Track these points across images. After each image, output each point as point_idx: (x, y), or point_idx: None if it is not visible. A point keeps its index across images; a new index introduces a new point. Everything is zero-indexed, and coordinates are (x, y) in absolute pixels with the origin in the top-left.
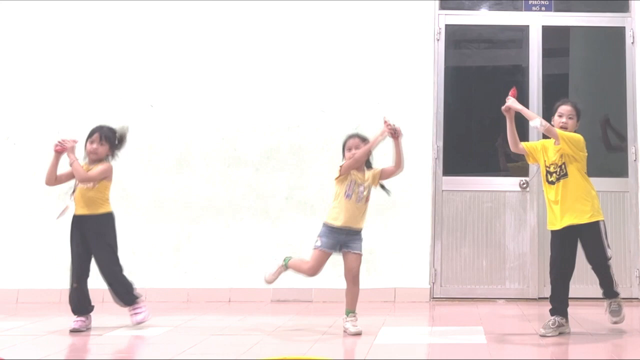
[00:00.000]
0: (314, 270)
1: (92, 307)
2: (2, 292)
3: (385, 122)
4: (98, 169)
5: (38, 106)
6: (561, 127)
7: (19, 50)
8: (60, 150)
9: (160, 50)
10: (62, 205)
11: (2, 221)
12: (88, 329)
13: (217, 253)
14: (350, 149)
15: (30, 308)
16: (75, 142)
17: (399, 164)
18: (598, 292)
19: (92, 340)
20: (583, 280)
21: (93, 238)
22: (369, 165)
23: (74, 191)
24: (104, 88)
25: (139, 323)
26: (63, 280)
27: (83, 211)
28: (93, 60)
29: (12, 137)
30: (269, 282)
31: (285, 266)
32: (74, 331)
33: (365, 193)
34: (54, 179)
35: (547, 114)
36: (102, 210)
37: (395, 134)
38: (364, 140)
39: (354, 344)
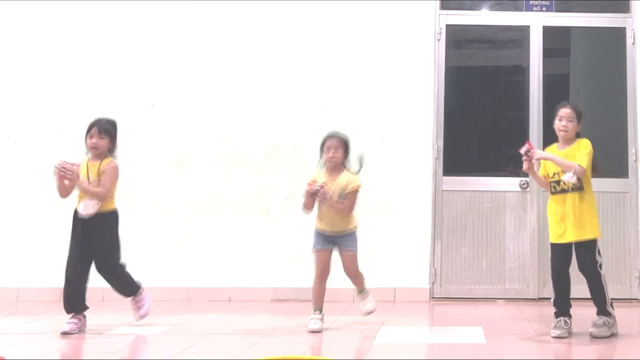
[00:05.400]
0: (318, 270)
1: (86, 307)
2: (2, 290)
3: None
4: (106, 177)
5: (39, 105)
6: (561, 131)
7: (19, 49)
8: (64, 179)
9: (161, 49)
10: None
11: (3, 219)
12: (81, 331)
13: (217, 252)
14: (329, 149)
15: (30, 306)
16: (75, 165)
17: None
18: None
19: (92, 340)
20: (583, 280)
21: (95, 235)
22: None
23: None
24: (104, 87)
25: (142, 317)
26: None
27: None
28: (93, 59)
29: (12, 136)
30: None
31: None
32: (64, 334)
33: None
34: (66, 194)
35: (547, 115)
36: (107, 207)
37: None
38: (343, 141)
39: (354, 344)
